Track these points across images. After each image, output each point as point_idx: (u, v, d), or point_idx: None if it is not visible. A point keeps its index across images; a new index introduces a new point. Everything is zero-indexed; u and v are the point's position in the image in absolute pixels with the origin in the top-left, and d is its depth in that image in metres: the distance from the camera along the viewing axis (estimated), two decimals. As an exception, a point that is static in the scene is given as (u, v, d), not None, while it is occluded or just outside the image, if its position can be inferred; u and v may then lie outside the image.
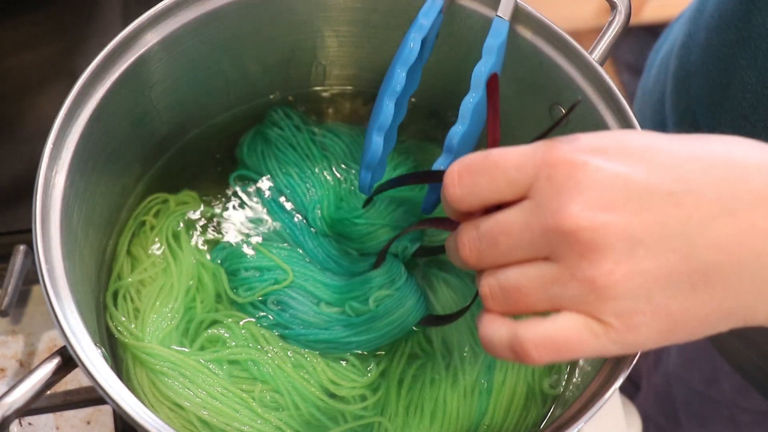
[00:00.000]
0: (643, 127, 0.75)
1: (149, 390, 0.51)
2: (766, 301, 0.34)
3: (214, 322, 0.55)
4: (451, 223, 0.43)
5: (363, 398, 0.54)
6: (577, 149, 0.35)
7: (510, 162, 0.37)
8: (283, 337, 0.55)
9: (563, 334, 0.35)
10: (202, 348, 0.54)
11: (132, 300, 0.55)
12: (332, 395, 0.53)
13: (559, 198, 0.35)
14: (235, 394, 0.52)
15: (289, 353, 0.54)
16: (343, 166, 0.61)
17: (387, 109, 0.50)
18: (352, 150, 0.61)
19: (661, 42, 0.78)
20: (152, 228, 0.57)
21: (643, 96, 0.77)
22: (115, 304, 0.54)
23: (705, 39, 0.61)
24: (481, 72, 0.49)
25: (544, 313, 0.36)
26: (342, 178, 0.60)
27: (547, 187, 0.35)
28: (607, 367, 0.46)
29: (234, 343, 0.54)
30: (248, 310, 0.55)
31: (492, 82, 0.41)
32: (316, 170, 0.60)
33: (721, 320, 0.35)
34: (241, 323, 0.55)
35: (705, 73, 0.60)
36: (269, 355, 0.53)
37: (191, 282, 0.56)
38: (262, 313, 0.55)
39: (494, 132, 0.42)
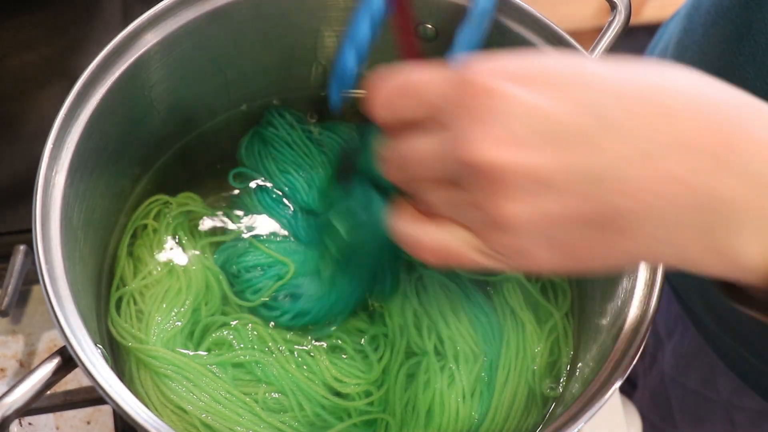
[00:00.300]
0: None
1: (153, 393, 0.51)
2: (676, 249, 0.33)
3: (221, 325, 0.55)
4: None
5: (368, 394, 0.54)
6: (497, 73, 0.34)
7: (432, 86, 0.36)
8: (305, 328, 0.55)
9: (459, 250, 0.37)
10: (207, 351, 0.54)
11: (135, 303, 0.54)
12: (337, 393, 0.53)
13: (471, 129, 0.34)
14: (239, 398, 0.51)
15: (295, 353, 0.54)
16: None
17: (363, 27, 0.48)
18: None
19: (655, 41, 0.78)
20: (154, 231, 0.57)
21: None
22: (118, 308, 0.54)
23: (702, 36, 0.60)
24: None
25: None
26: None
27: (461, 114, 0.34)
28: (607, 368, 0.46)
29: (240, 346, 0.53)
30: (262, 312, 0.55)
31: None
32: (314, 166, 0.60)
33: (624, 261, 0.35)
34: (249, 326, 0.55)
35: (701, 69, 0.60)
36: (274, 355, 0.53)
37: (196, 285, 0.55)
38: (277, 312, 0.55)
39: (408, 41, 0.40)
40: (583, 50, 0.52)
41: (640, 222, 0.33)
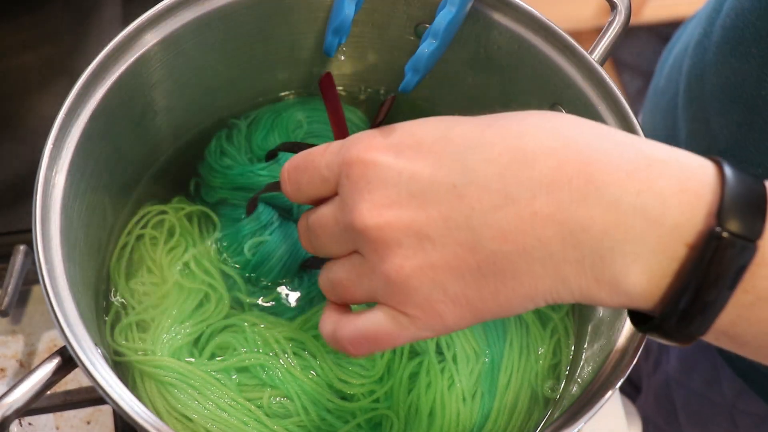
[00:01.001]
0: (655, 127, 0.75)
1: (159, 401, 0.51)
2: (565, 284, 0.34)
3: (224, 328, 0.55)
4: None
5: (372, 392, 0.53)
6: (370, 147, 0.37)
7: (323, 161, 0.39)
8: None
9: (373, 329, 0.37)
10: (212, 356, 0.53)
11: (137, 312, 0.54)
12: (342, 396, 0.53)
13: (352, 197, 0.37)
14: (244, 406, 0.51)
15: (298, 355, 0.54)
16: None
17: None
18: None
19: (674, 42, 0.78)
20: (153, 239, 0.57)
21: (655, 95, 0.76)
22: (118, 319, 0.54)
23: (721, 37, 0.60)
24: None
25: (370, 304, 0.38)
26: None
27: (346, 185, 0.37)
28: (607, 369, 0.46)
29: (244, 350, 0.53)
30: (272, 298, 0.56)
31: (325, 81, 0.43)
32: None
33: (524, 303, 0.35)
34: (253, 328, 0.54)
35: (719, 71, 0.60)
36: (278, 358, 0.53)
37: (200, 291, 0.55)
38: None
39: (338, 125, 0.45)
40: (583, 50, 0.52)
41: (519, 263, 0.34)
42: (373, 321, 0.37)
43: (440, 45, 0.51)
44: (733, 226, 0.32)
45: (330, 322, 0.40)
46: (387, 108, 0.46)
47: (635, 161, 0.33)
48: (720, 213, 0.32)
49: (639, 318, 0.36)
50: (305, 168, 0.41)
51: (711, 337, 0.35)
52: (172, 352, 0.52)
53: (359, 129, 0.62)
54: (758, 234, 0.32)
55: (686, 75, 0.66)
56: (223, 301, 0.55)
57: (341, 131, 0.45)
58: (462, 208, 0.34)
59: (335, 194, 0.39)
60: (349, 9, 0.53)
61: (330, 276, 0.40)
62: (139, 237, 0.57)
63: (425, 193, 0.35)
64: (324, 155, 0.40)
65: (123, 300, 0.55)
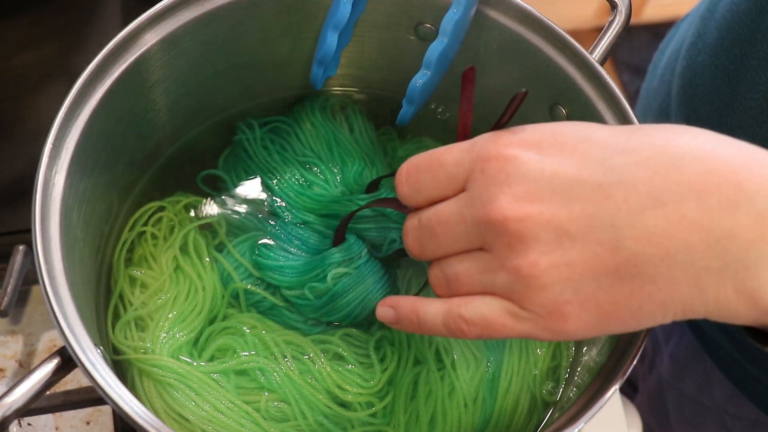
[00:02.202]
0: None
1: (156, 400, 0.51)
2: (702, 294, 0.34)
3: (223, 329, 0.54)
4: (406, 207, 0.44)
5: (370, 405, 0.53)
6: (510, 143, 0.36)
7: (450, 158, 0.39)
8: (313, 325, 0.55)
9: (489, 315, 0.37)
10: (211, 358, 0.53)
11: (135, 308, 0.54)
12: (340, 403, 0.53)
13: (489, 190, 0.36)
14: (241, 408, 0.51)
15: (298, 360, 0.53)
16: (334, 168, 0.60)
17: (344, 8, 0.51)
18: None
19: (665, 43, 0.78)
20: (153, 236, 0.57)
21: (647, 97, 0.76)
22: (118, 317, 0.54)
23: (716, 38, 0.60)
24: None
25: None
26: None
27: (480, 180, 0.37)
28: (606, 369, 0.45)
29: (244, 353, 0.53)
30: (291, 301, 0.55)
31: (469, 74, 0.42)
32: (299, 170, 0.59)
33: (656, 312, 0.35)
34: (253, 330, 0.54)
35: (713, 73, 0.60)
36: (278, 363, 0.53)
37: (199, 291, 0.55)
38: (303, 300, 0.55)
39: (465, 123, 0.43)
40: (583, 50, 0.52)
41: (660, 267, 0.33)
42: (492, 308, 0.37)
43: (433, 75, 0.51)
44: None
45: (439, 304, 0.39)
46: (517, 105, 0.43)
47: None
48: None
49: (758, 335, 0.36)
50: (429, 166, 0.39)
51: None
52: (172, 352, 0.52)
53: (372, 146, 0.61)
54: None
55: (679, 76, 0.66)
56: (218, 300, 0.55)
57: (465, 131, 0.43)
58: (607, 207, 0.34)
59: (455, 190, 0.38)
60: (332, 39, 0.52)
61: (446, 270, 0.39)
62: (141, 234, 0.57)
63: (569, 190, 0.34)
64: (451, 153, 0.39)
65: (123, 298, 0.55)
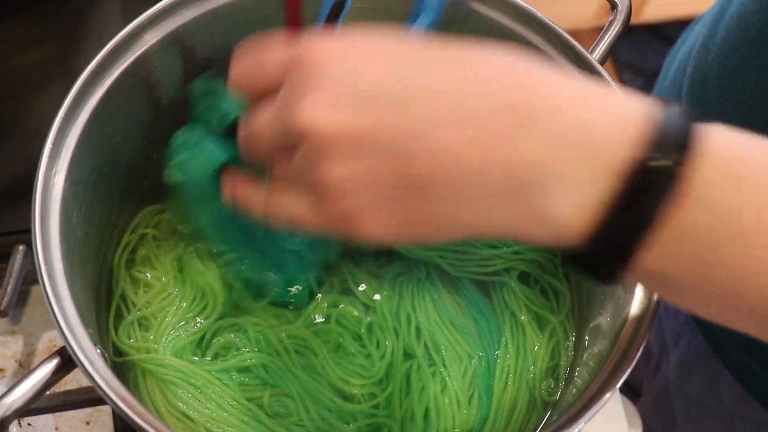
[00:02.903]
0: None
1: (159, 399, 0.51)
2: (490, 214, 0.34)
3: (228, 327, 0.55)
4: None
5: (372, 396, 0.53)
6: (322, 46, 0.36)
7: (270, 55, 0.38)
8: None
9: (298, 212, 0.39)
10: (215, 356, 0.53)
11: (138, 309, 0.54)
12: (343, 396, 0.53)
13: (294, 94, 0.36)
14: (244, 405, 0.51)
15: (305, 352, 0.54)
16: None
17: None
18: None
19: (679, 45, 0.78)
20: (156, 238, 0.57)
21: (659, 96, 0.77)
22: (120, 317, 0.54)
23: (724, 39, 0.60)
24: None
25: None
26: None
27: (289, 83, 0.36)
28: (607, 369, 0.45)
29: (247, 350, 0.53)
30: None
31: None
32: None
33: (448, 227, 0.35)
34: (256, 327, 0.54)
35: (721, 72, 0.60)
36: (281, 357, 0.53)
37: (203, 290, 0.55)
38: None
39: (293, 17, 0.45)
40: (583, 50, 0.52)
41: (450, 186, 0.34)
42: (301, 206, 0.38)
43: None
44: (658, 156, 0.32)
45: (262, 195, 0.41)
46: (336, 13, 0.44)
47: (576, 97, 0.34)
48: (648, 145, 0.32)
49: (568, 255, 0.36)
50: (254, 61, 0.39)
51: (643, 280, 0.35)
52: (176, 351, 0.52)
53: None
54: (681, 164, 0.32)
55: (689, 77, 0.66)
56: (224, 299, 0.55)
57: (295, 24, 0.45)
58: (402, 120, 0.34)
59: (277, 93, 0.38)
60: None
61: (265, 158, 0.40)
62: (143, 236, 0.57)
63: (368, 99, 0.34)
64: (277, 50, 0.39)
65: (126, 299, 0.55)
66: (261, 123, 0.39)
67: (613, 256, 0.34)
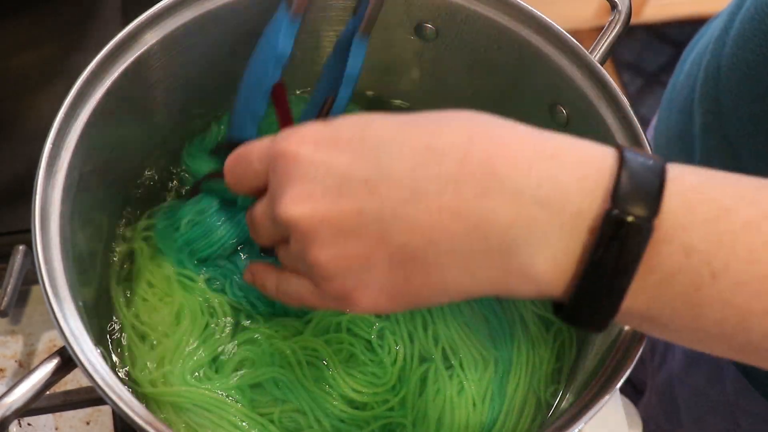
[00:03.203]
0: (669, 122, 0.75)
1: (182, 426, 0.51)
2: (473, 276, 0.36)
3: (242, 342, 0.54)
4: None
5: (385, 402, 0.53)
6: (295, 141, 0.38)
7: (254, 154, 0.41)
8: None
9: (302, 294, 0.42)
10: (226, 375, 0.53)
11: (140, 327, 0.54)
12: (355, 406, 0.53)
13: (276, 190, 0.39)
14: (256, 421, 0.51)
15: (318, 363, 0.53)
16: None
17: (284, 40, 0.52)
18: None
19: (696, 39, 0.78)
20: (153, 258, 0.56)
21: (673, 91, 0.77)
22: (121, 348, 0.54)
23: (738, 30, 0.61)
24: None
25: None
26: None
27: (272, 179, 0.39)
28: (607, 370, 0.45)
29: (260, 365, 0.53)
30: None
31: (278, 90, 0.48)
32: None
33: (437, 293, 0.37)
34: (267, 340, 0.54)
35: (734, 63, 0.60)
36: (293, 369, 0.53)
37: (206, 309, 0.55)
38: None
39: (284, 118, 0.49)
40: (583, 50, 0.52)
41: (427, 254, 0.35)
42: (304, 288, 0.41)
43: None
44: (629, 207, 0.33)
45: (274, 278, 0.45)
46: (328, 108, 0.49)
47: (537, 154, 0.35)
48: (615, 196, 0.33)
49: (557, 307, 0.37)
50: (240, 161, 0.42)
51: (634, 323, 0.36)
52: (192, 371, 0.52)
53: None
54: (654, 213, 0.33)
55: (704, 69, 0.67)
56: (227, 314, 0.55)
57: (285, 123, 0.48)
58: (373, 201, 0.36)
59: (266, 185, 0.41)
60: (248, 128, 0.53)
61: (281, 256, 0.44)
62: (146, 238, 0.57)
63: (340, 186, 0.36)
64: (256, 148, 0.41)
65: (135, 328, 0.54)
66: (258, 215, 0.42)
67: (597, 305, 0.35)
